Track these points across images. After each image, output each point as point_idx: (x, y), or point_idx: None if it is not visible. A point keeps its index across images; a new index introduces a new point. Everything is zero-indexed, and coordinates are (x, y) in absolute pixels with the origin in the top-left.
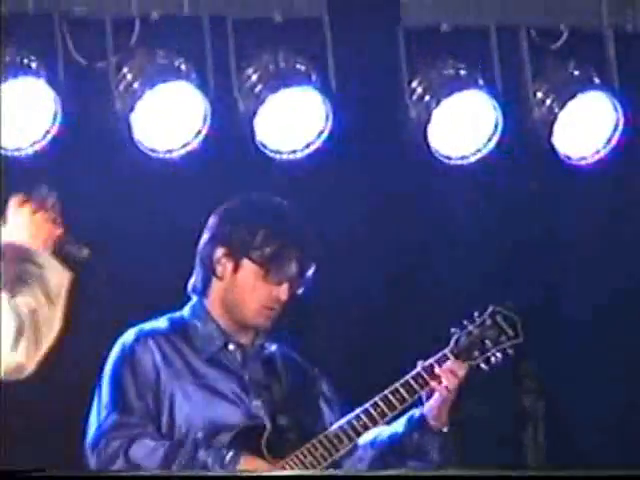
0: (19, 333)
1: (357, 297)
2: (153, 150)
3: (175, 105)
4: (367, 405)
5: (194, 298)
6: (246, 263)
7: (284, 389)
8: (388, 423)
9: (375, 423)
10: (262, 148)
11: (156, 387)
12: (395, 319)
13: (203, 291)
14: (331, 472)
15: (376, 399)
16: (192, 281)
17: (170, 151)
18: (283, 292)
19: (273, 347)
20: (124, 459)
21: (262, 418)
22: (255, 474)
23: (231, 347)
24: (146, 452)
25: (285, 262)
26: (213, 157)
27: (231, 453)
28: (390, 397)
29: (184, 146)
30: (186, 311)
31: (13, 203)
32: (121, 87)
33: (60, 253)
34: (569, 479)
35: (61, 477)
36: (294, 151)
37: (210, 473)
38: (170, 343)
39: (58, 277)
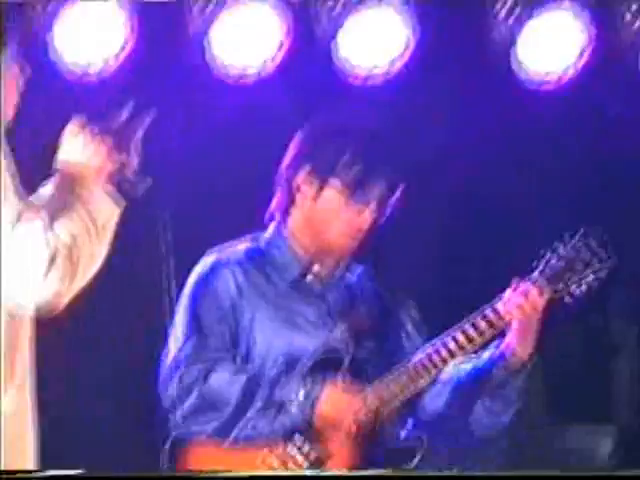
0: (52, 261)
1: (442, 221)
2: (228, 74)
3: (251, 26)
4: (448, 337)
5: (272, 225)
6: (330, 185)
7: (365, 318)
8: (469, 354)
9: (457, 353)
10: (342, 71)
11: (233, 316)
12: (480, 244)
13: (282, 217)
14: (332, 472)
15: (457, 331)
16: (271, 207)
17: (246, 75)
18: (367, 216)
19: (354, 275)
20: (201, 389)
21: (342, 347)
22: (255, 474)
23: (311, 274)
24: (224, 382)
25: (371, 185)
26: (291, 81)
27: (311, 382)
28: (472, 327)
29: (261, 69)
30: (264, 239)
31: (72, 126)
32: (195, 9)
33: (117, 183)
34: (571, 479)
35: (62, 477)
36: (372, 74)
37: (210, 473)
38: (248, 271)
39: (107, 210)
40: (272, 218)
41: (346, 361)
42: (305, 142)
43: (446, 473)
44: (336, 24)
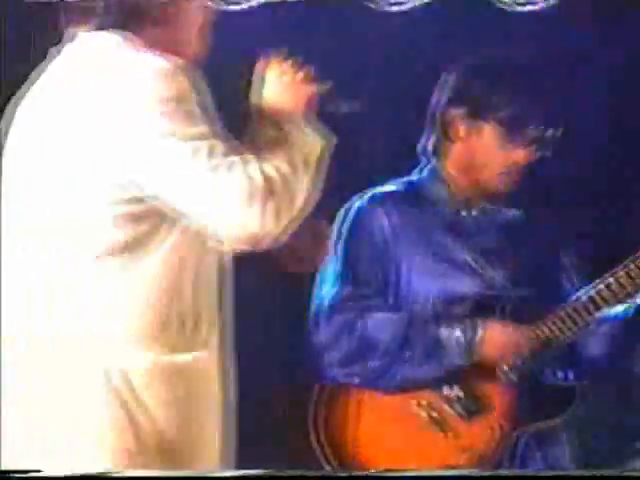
0: (251, 197)
1: (598, 164)
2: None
3: None
4: (611, 277)
5: (425, 161)
6: (486, 124)
7: (522, 259)
8: (630, 297)
9: (619, 298)
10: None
11: (387, 256)
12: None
13: (436, 154)
14: (333, 473)
15: (620, 271)
16: (423, 143)
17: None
18: (525, 155)
19: (511, 214)
20: (357, 332)
21: (499, 289)
22: (264, 474)
23: (466, 213)
24: (380, 324)
25: (528, 123)
26: (444, 14)
27: (470, 324)
28: (634, 269)
29: None
30: (417, 175)
31: (271, 62)
32: None
33: (319, 112)
34: (569, 479)
35: (62, 477)
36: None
37: (212, 474)
38: (403, 211)
39: (311, 144)
40: (426, 157)
41: (505, 304)
42: (457, 81)
43: (446, 473)
44: None
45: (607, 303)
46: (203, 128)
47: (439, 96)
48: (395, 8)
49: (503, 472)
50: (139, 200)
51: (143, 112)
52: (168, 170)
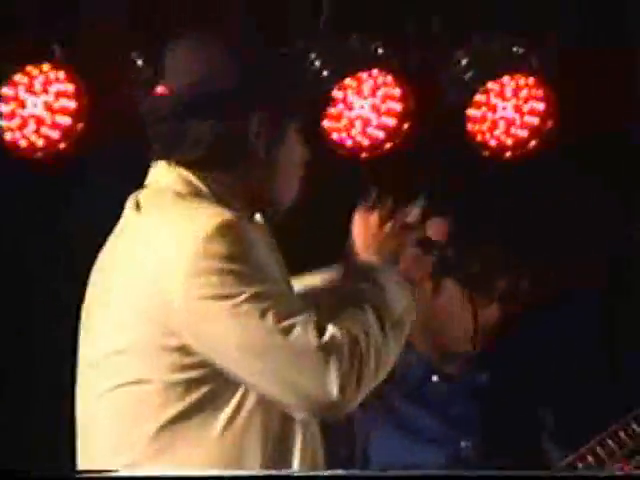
0: (313, 362)
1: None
2: None
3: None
4: (595, 444)
5: None
6: (449, 282)
7: (499, 427)
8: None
9: (603, 464)
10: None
11: (351, 432)
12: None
13: None
14: (332, 472)
15: (604, 436)
16: None
17: None
18: (492, 313)
19: (484, 377)
20: None
21: (472, 460)
22: (255, 474)
23: (435, 379)
24: None
25: (492, 280)
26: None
27: None
28: (619, 434)
29: None
30: None
31: (357, 215)
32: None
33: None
34: (568, 479)
35: (62, 477)
36: None
37: (212, 474)
38: None
39: (402, 303)
40: None
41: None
42: None
43: (446, 473)
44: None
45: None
46: (259, 287)
47: None
48: None
49: (503, 472)
50: (195, 365)
51: (196, 271)
52: (220, 335)
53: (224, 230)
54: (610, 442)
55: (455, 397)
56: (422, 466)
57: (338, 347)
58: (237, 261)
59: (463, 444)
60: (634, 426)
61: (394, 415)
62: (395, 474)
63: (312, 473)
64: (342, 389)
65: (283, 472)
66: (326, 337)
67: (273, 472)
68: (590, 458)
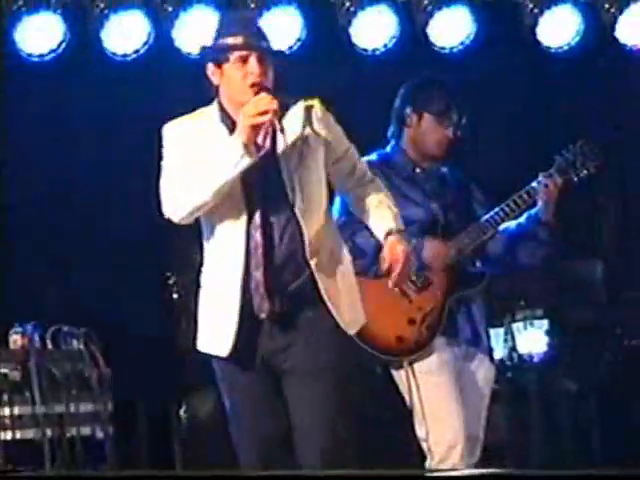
0: None
1: (495, 140)
2: None
3: None
4: (502, 205)
5: (392, 141)
6: (426, 115)
7: (451, 196)
8: (515, 218)
9: (507, 217)
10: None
11: None
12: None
13: (398, 136)
14: (332, 472)
15: (508, 201)
16: (390, 130)
17: None
18: (450, 133)
19: (445, 169)
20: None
21: (438, 215)
22: (255, 474)
23: (418, 170)
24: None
25: (451, 114)
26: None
27: (418, 238)
28: (517, 200)
29: None
30: (388, 149)
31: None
32: None
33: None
34: (568, 479)
35: (61, 477)
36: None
37: (211, 473)
38: (378, 169)
39: None
40: (393, 138)
41: (440, 224)
42: (408, 90)
43: (446, 473)
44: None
45: (504, 219)
46: None
47: (397, 102)
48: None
49: (503, 472)
50: None
51: None
52: None
53: None
54: (512, 204)
55: (429, 180)
56: (411, 217)
57: None
58: None
59: (433, 205)
60: (524, 196)
61: (396, 189)
62: (395, 474)
63: (312, 473)
64: None
65: (283, 472)
66: None
67: (273, 472)
68: (500, 214)
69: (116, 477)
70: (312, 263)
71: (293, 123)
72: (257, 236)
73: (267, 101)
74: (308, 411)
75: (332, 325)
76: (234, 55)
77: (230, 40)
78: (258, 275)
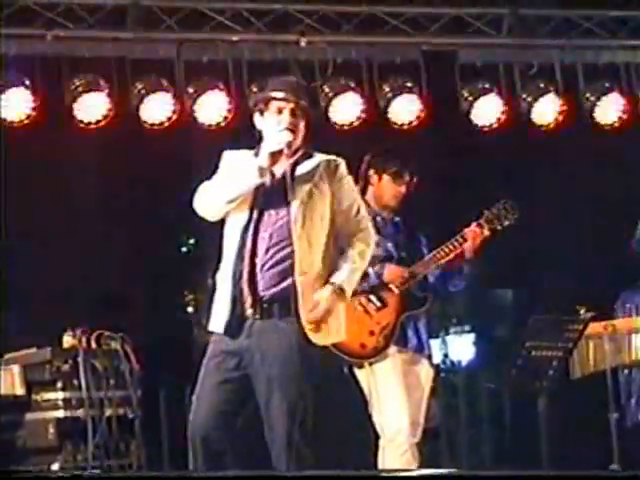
0: None
1: (438, 197)
2: None
3: None
4: (442, 246)
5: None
6: (385, 175)
7: (403, 238)
8: (452, 255)
9: (446, 255)
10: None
11: None
12: (459, 204)
13: (363, 192)
14: (332, 473)
15: (447, 243)
16: (359, 187)
17: None
18: (404, 190)
19: (398, 218)
20: None
21: (392, 252)
22: (258, 474)
23: (378, 218)
24: None
25: (404, 174)
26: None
27: (378, 266)
28: (453, 242)
29: None
30: None
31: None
32: None
33: None
34: (569, 479)
35: (60, 477)
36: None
37: (210, 473)
38: None
39: None
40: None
41: (394, 259)
42: (371, 158)
43: (446, 473)
44: None
45: (444, 257)
46: None
47: (363, 166)
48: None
49: (503, 472)
50: None
51: None
52: None
53: None
54: (445, 249)
55: (386, 226)
56: (375, 254)
57: None
58: None
59: (389, 244)
60: (456, 241)
61: None
62: (395, 474)
63: (312, 473)
64: None
65: (283, 472)
66: None
67: (273, 472)
68: (440, 252)
69: (116, 477)
70: (298, 280)
71: (310, 166)
72: (248, 243)
73: (286, 134)
74: (275, 415)
75: (300, 336)
76: (273, 105)
77: (272, 94)
78: (245, 275)
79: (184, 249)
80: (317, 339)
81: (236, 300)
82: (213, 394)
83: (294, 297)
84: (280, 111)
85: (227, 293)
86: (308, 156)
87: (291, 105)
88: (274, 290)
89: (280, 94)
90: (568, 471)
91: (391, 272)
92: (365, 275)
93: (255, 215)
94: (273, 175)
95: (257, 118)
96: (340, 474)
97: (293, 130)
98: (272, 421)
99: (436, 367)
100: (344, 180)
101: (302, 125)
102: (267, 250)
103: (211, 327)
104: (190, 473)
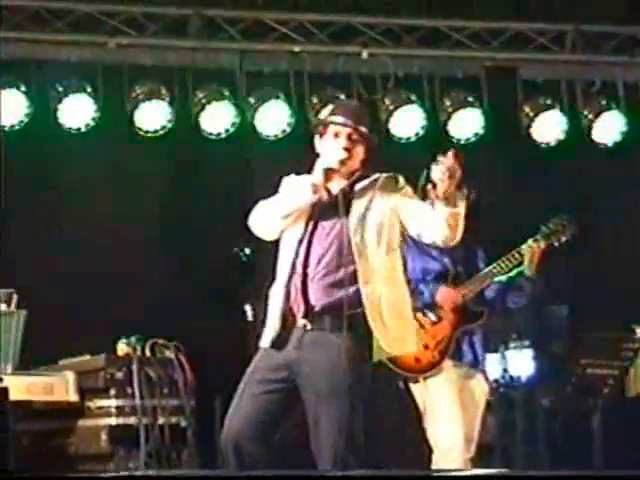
0: None
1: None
2: None
3: None
4: (498, 261)
5: None
6: None
7: (458, 253)
8: (508, 272)
9: (502, 271)
10: None
11: None
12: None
13: None
14: (332, 473)
15: (503, 259)
16: None
17: None
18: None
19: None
20: None
21: (448, 267)
22: (255, 474)
23: None
24: None
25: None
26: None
27: (434, 284)
28: (510, 258)
29: None
30: None
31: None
32: None
33: None
34: (569, 479)
35: (60, 477)
36: None
37: (210, 473)
38: None
39: None
40: None
41: (450, 275)
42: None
43: (446, 473)
44: None
45: (500, 273)
46: None
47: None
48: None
49: (503, 472)
50: None
51: None
52: None
53: None
54: (502, 264)
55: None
56: (429, 268)
57: None
58: None
59: (445, 260)
60: (515, 256)
61: (421, 248)
62: (395, 474)
63: (312, 473)
64: None
65: (284, 472)
66: None
67: (273, 472)
68: (493, 269)
69: (116, 477)
70: (363, 291)
71: (367, 182)
72: (301, 255)
73: (341, 152)
74: (325, 427)
75: (354, 349)
76: (331, 129)
77: (331, 118)
78: (298, 284)
79: (244, 259)
80: (391, 349)
81: (286, 312)
82: (253, 404)
83: (356, 306)
84: (337, 135)
85: (278, 307)
86: (366, 177)
87: (348, 130)
88: (326, 300)
89: (339, 119)
90: (565, 471)
91: (444, 296)
92: (420, 293)
93: (310, 228)
94: (329, 192)
95: (316, 140)
96: (350, 474)
97: (349, 149)
98: (320, 434)
99: (495, 382)
100: (403, 190)
101: (360, 149)
102: (319, 261)
103: (261, 343)
104: (192, 473)
